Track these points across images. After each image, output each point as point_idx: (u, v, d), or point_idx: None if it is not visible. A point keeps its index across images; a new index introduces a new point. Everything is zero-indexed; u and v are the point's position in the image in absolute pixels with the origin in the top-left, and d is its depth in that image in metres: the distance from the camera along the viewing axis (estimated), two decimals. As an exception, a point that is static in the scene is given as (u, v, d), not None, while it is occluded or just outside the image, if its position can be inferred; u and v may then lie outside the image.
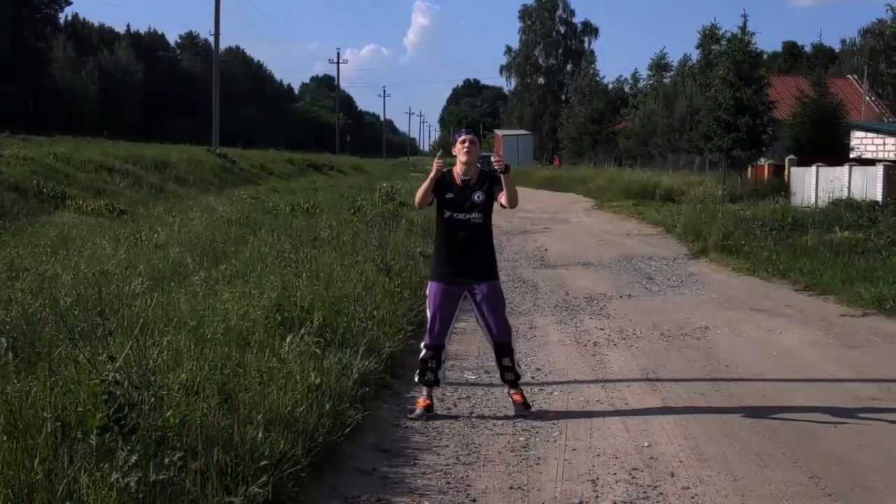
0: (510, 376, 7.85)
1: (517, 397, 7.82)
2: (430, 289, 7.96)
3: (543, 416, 7.66)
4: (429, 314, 7.94)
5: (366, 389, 7.45)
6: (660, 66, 67.64)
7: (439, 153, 8.15)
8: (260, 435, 5.49)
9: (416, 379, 7.91)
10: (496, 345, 7.88)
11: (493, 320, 7.85)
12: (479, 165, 8.07)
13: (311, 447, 5.87)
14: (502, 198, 7.79)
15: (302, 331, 7.86)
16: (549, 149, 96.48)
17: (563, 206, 38.18)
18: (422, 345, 7.92)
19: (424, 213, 21.04)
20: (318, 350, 7.52)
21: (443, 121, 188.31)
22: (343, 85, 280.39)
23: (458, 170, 7.93)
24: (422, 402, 7.77)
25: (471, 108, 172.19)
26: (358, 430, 6.74)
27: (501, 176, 7.70)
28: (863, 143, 40.61)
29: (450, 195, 7.84)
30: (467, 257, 7.80)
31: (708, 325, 11.77)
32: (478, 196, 7.83)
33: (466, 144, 7.90)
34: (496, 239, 22.76)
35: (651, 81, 66.98)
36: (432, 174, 7.78)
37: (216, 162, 40.50)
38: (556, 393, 8.45)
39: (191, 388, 5.93)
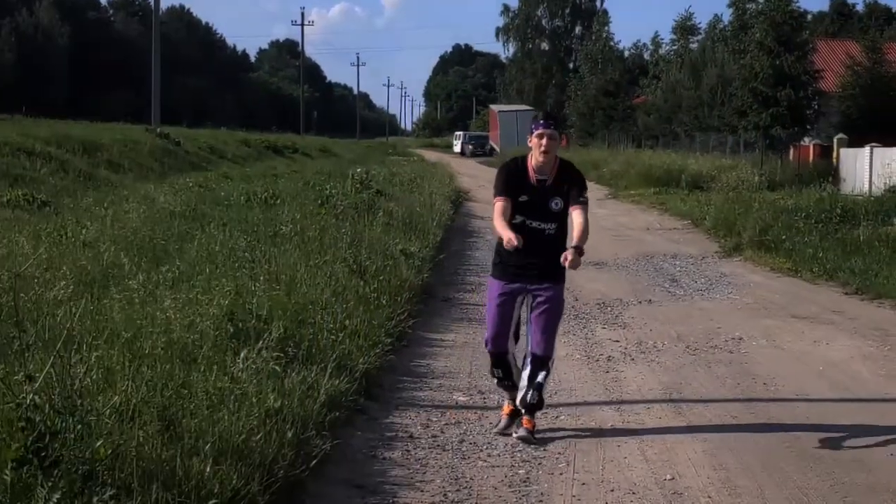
0: (534, 398, 7.90)
1: (527, 423, 7.91)
2: (488, 286, 8.38)
3: (548, 444, 7.67)
4: (487, 318, 8.32)
5: (335, 414, 7.42)
6: (685, 28, 67.85)
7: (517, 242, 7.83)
8: (208, 468, 5.47)
9: (495, 382, 8.45)
10: (535, 356, 7.97)
11: (540, 330, 7.97)
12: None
13: (269, 483, 5.85)
14: (576, 214, 7.90)
15: (259, 344, 7.83)
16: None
17: (570, 195, 38.17)
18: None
19: (406, 205, 21.06)
20: (278, 367, 7.48)
21: (428, 94, 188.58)
22: (308, 51, 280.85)
23: (532, 164, 7.99)
24: (506, 408, 8.20)
25: (462, 78, 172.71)
26: (326, 463, 6.72)
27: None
28: (926, 119, 40.65)
29: (524, 197, 7.93)
30: (534, 260, 7.91)
31: (742, 335, 11.80)
32: (556, 203, 7.94)
33: (545, 142, 7.92)
34: (491, 234, 22.80)
35: (675, 47, 67.24)
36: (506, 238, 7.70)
37: (157, 143, 40.37)
38: (562, 417, 8.47)
39: (125, 413, 5.91)
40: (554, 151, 7.97)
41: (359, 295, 10.83)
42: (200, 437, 5.85)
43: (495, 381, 8.36)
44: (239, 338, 8.13)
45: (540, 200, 7.90)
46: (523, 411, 7.99)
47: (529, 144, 8.06)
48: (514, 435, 7.83)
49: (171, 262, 11.84)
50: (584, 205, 7.94)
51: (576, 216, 7.88)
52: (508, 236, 7.64)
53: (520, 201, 7.91)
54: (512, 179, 7.97)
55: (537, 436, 7.81)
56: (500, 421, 8.12)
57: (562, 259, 7.66)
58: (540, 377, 7.92)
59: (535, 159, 7.97)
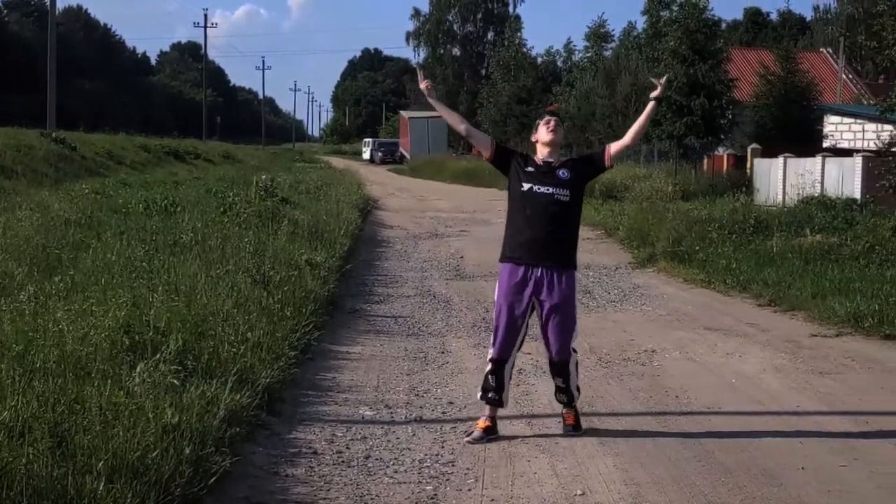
0: (562, 398, 8.37)
1: (570, 419, 8.35)
2: (499, 276, 8.40)
3: (456, 459, 7.66)
4: (494, 312, 8.35)
5: (236, 429, 7.36)
6: (599, 35, 68.44)
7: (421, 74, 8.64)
8: (101, 487, 5.40)
9: (479, 395, 8.42)
10: (552, 362, 8.31)
11: (555, 335, 8.21)
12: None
13: (166, 501, 5.79)
14: (616, 145, 8.54)
15: (156, 357, 7.76)
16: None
17: (483, 204, 38.33)
18: (488, 356, 8.38)
19: (313, 214, 20.99)
20: (176, 381, 7.42)
21: (336, 99, 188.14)
22: (212, 54, 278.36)
23: (540, 153, 8.37)
24: (482, 423, 8.24)
25: (371, 84, 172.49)
26: (225, 480, 6.66)
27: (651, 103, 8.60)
28: (838, 129, 41.48)
29: (530, 169, 8.26)
30: (548, 231, 8.11)
31: (655, 347, 11.90)
32: (563, 173, 8.23)
33: (552, 124, 8.38)
34: (401, 243, 22.82)
35: (589, 54, 67.72)
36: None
37: (51, 148, 39.74)
38: (472, 431, 8.45)
39: (14, 430, 5.81)
40: (560, 136, 8.35)
41: (262, 306, 10.78)
42: (94, 455, 5.78)
43: (483, 393, 8.33)
44: (135, 350, 8.05)
45: (547, 172, 8.20)
46: (564, 409, 8.37)
47: (534, 140, 8.46)
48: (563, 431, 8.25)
49: (64, 273, 11.69)
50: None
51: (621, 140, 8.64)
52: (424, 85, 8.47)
53: (526, 171, 8.23)
54: (510, 152, 8.53)
55: (444, 450, 7.81)
56: (472, 431, 8.25)
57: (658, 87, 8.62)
58: (558, 381, 8.30)
59: (540, 150, 8.36)
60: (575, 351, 8.36)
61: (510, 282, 8.18)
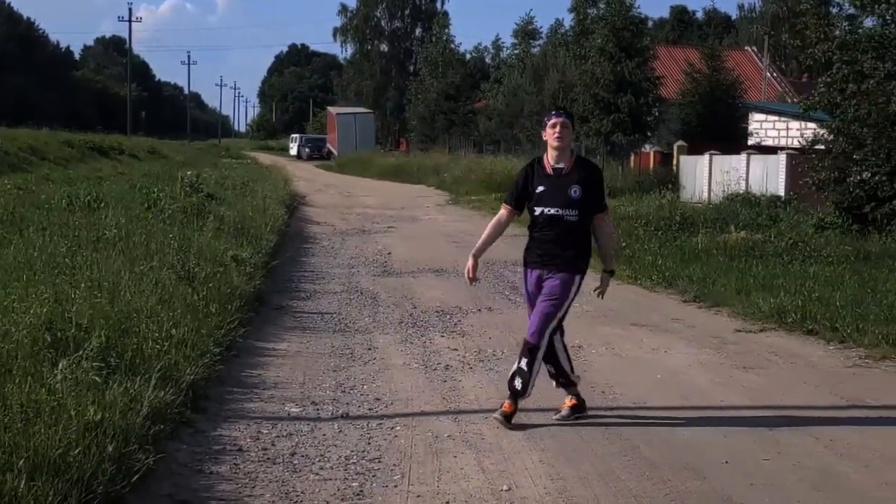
0: (519, 385, 8.49)
1: (506, 406, 8.54)
2: (523, 278, 8.85)
3: (382, 455, 7.65)
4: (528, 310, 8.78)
5: (160, 427, 7.29)
6: (527, 32, 68.79)
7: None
8: (22, 485, 5.35)
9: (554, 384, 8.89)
10: (525, 341, 8.53)
11: (536, 313, 8.49)
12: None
13: (87, 499, 5.73)
14: (603, 224, 8.73)
15: (79, 354, 7.68)
16: (394, 131, 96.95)
17: (410, 200, 38.38)
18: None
19: (239, 210, 20.90)
20: (98, 378, 7.34)
21: (263, 95, 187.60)
22: (137, 49, 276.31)
23: (548, 157, 8.55)
24: (568, 402, 8.78)
25: (298, 79, 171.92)
26: (149, 478, 6.59)
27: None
28: (763, 127, 42.01)
29: (541, 188, 8.46)
30: (558, 248, 8.45)
31: (581, 343, 11.94)
32: (574, 191, 8.40)
33: (558, 129, 8.45)
34: (328, 239, 22.77)
35: (516, 51, 67.96)
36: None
37: (-28, 144, 39.36)
38: (398, 427, 8.45)
39: (-67, 427, 5.73)
40: (568, 140, 8.52)
41: (186, 303, 10.71)
42: (14, 452, 5.72)
43: (554, 383, 8.82)
44: (57, 347, 7.96)
45: (558, 187, 8.38)
46: (506, 399, 8.56)
47: (545, 138, 8.57)
48: (493, 416, 8.51)
49: (-16, 269, 11.53)
50: (607, 211, 8.72)
51: (603, 226, 8.70)
52: (467, 267, 8.87)
53: (537, 193, 8.45)
54: (524, 182, 8.62)
55: (370, 447, 7.80)
56: (559, 410, 8.75)
57: (597, 294, 8.73)
58: (522, 363, 8.47)
59: (549, 151, 8.51)
60: (560, 337, 8.68)
61: (529, 284, 8.64)
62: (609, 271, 8.74)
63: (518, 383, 8.45)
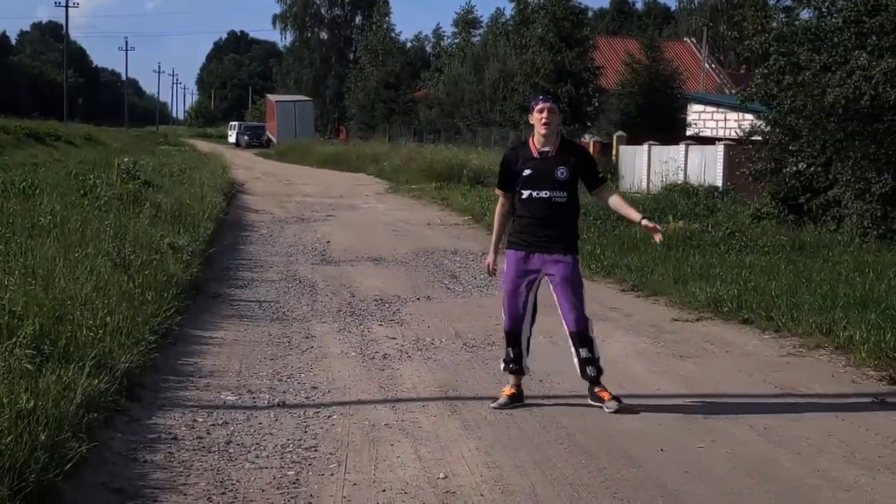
0: (592, 371, 8.69)
1: (605, 394, 8.66)
2: (505, 260, 8.84)
3: (319, 444, 7.64)
4: (504, 293, 8.81)
5: (94, 415, 7.22)
6: (467, 21, 68.81)
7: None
8: (-49, 474, 5.27)
9: (501, 367, 8.94)
10: (572, 334, 8.69)
11: (568, 306, 8.63)
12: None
13: (19, 488, 5.67)
14: (607, 194, 8.97)
15: (11, 342, 7.60)
16: (333, 119, 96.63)
17: (350, 188, 38.31)
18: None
19: (176, 197, 20.77)
20: (31, 366, 7.27)
21: (202, 82, 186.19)
22: (74, 34, 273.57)
23: (535, 140, 8.72)
24: (507, 391, 8.79)
25: (238, 66, 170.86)
26: (83, 466, 6.53)
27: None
28: (701, 118, 42.29)
29: (527, 171, 8.60)
30: (549, 230, 8.60)
31: (519, 332, 11.97)
32: (561, 172, 8.58)
33: (545, 114, 8.58)
34: (267, 227, 22.69)
35: (457, 40, 67.95)
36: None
37: None
38: (335, 416, 8.43)
39: None
40: (555, 125, 8.66)
41: (122, 290, 10.64)
42: (-56, 441, 5.64)
43: (504, 365, 8.89)
44: (-11, 335, 7.87)
45: (545, 169, 8.52)
46: (595, 388, 8.72)
47: (531, 122, 8.73)
48: (608, 411, 8.51)
49: (-85, 255, 11.38)
50: (606, 182, 9.01)
51: (608, 194, 8.98)
52: (488, 261, 9.20)
53: (524, 176, 8.59)
54: (510, 165, 8.77)
55: (307, 435, 7.79)
56: (499, 398, 8.77)
57: (657, 238, 8.92)
58: (583, 353, 8.67)
59: (536, 135, 8.66)
60: (529, 326, 8.86)
61: (516, 265, 8.68)
62: (645, 218, 8.79)
63: (592, 370, 8.68)
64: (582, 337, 8.66)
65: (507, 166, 8.82)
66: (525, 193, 8.61)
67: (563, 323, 8.72)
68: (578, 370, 8.73)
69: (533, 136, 8.74)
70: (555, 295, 8.69)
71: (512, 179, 8.74)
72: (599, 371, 8.72)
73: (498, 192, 9.05)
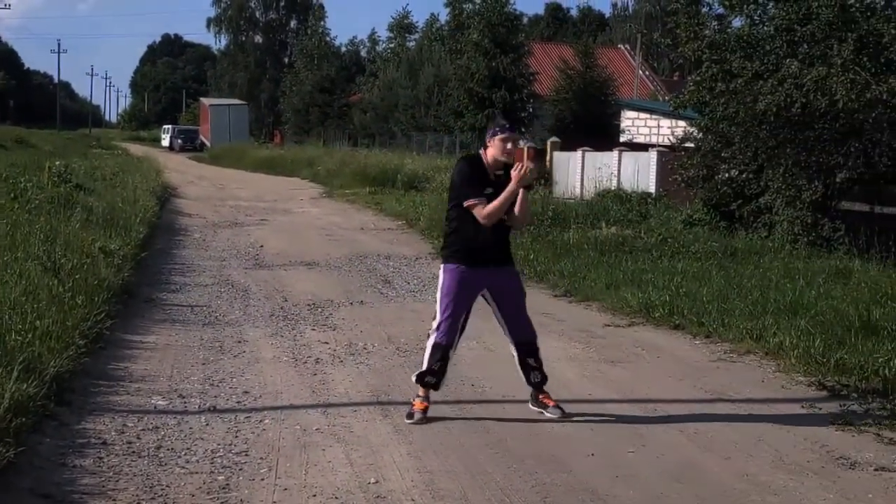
0: (537, 377, 8.76)
1: (550, 401, 8.72)
2: (446, 273, 8.65)
3: (249, 448, 7.62)
4: (441, 305, 8.61)
5: (21, 420, 7.16)
6: (402, 26, 68.81)
7: (527, 145, 8.71)
8: None
9: (414, 379, 8.67)
10: (520, 343, 8.75)
11: (517, 315, 8.77)
12: None
13: (-56, 493, 5.62)
14: (515, 215, 8.61)
15: (-62, 346, 7.53)
16: (268, 123, 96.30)
17: (284, 193, 38.18)
18: (430, 342, 8.63)
19: (108, 201, 20.62)
20: (-42, 370, 7.21)
21: (135, 85, 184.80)
22: (5, 36, 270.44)
23: (490, 163, 8.54)
24: (420, 404, 8.58)
25: (171, 70, 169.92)
26: (9, 472, 6.50)
27: (522, 190, 8.49)
28: (635, 124, 42.53)
29: (489, 190, 8.46)
30: (499, 244, 8.66)
31: (451, 337, 12.00)
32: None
33: (510, 146, 8.41)
34: (200, 231, 22.59)
35: (392, 45, 67.94)
36: (514, 186, 8.42)
37: None
38: (266, 421, 8.42)
39: None
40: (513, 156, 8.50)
41: (52, 294, 10.54)
42: None
43: (426, 377, 8.59)
44: (-84, 339, 7.78)
45: (497, 190, 8.43)
46: (539, 395, 8.77)
47: (489, 144, 8.50)
48: (551, 416, 8.60)
49: None
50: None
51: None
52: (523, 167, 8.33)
53: (485, 193, 8.44)
54: (476, 178, 8.53)
55: (237, 440, 7.77)
56: (413, 413, 8.53)
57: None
58: (531, 361, 8.73)
59: (493, 160, 8.50)
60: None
61: (462, 280, 8.55)
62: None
63: (537, 376, 8.77)
64: (533, 346, 8.76)
65: (475, 178, 8.55)
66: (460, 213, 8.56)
67: (512, 333, 8.77)
68: (524, 377, 8.76)
69: (485, 155, 8.54)
70: (501, 307, 8.75)
71: (479, 187, 8.59)
72: (545, 378, 8.77)
73: (475, 203, 8.40)
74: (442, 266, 8.75)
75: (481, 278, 8.60)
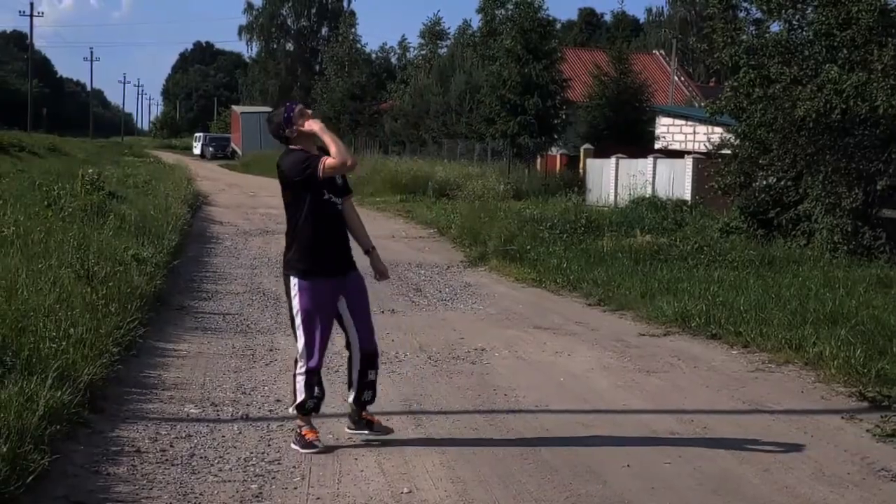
0: (370, 396, 8.12)
1: (375, 419, 8.18)
2: (301, 291, 7.91)
3: (282, 457, 7.65)
4: (302, 327, 7.91)
5: (56, 427, 7.23)
6: (434, 33, 68.86)
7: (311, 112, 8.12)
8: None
9: (293, 409, 8.05)
10: (366, 354, 8.06)
11: (364, 323, 8.10)
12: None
13: (-20, 501, 5.67)
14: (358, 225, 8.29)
15: (-27, 353, 7.59)
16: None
17: (315, 200, 38.17)
18: (301, 368, 7.94)
19: (140, 208, 20.72)
20: (-8, 378, 7.27)
21: (167, 93, 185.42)
22: (38, 44, 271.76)
23: (308, 148, 8.02)
24: (313, 433, 7.90)
25: (203, 77, 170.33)
26: (44, 479, 6.55)
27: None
28: (670, 131, 42.41)
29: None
30: (340, 245, 8.04)
31: (484, 346, 12.04)
32: (339, 178, 8.05)
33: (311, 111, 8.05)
34: (231, 239, 22.65)
35: (423, 52, 68.01)
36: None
37: None
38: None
39: None
40: None
41: (85, 302, 10.61)
42: None
43: (305, 408, 7.92)
44: (-50, 346, 7.86)
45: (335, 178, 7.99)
46: (362, 411, 8.13)
47: (296, 130, 8.00)
48: (370, 434, 8.09)
49: None
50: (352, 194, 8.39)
51: (353, 211, 8.30)
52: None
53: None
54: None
55: (271, 448, 7.81)
56: (313, 443, 7.85)
57: (378, 277, 8.35)
58: (371, 374, 8.06)
59: (307, 145, 7.99)
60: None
61: (318, 295, 7.91)
62: (373, 248, 8.36)
63: (370, 395, 8.11)
64: (374, 358, 8.12)
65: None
66: (327, 195, 7.88)
67: (357, 342, 8.03)
68: (357, 392, 8.06)
69: (302, 144, 8.00)
70: (350, 314, 8.02)
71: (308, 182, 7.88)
72: (375, 395, 8.19)
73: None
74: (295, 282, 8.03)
75: (337, 288, 8.02)
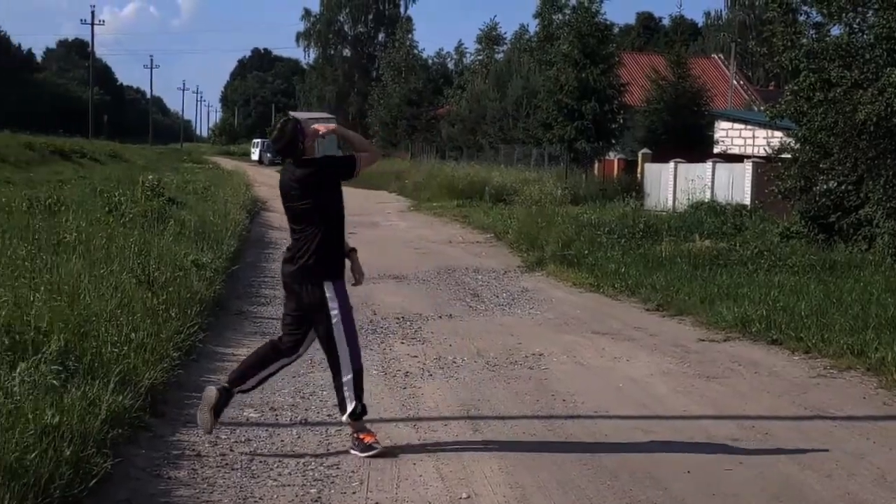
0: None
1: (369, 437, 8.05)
2: (338, 294, 8.15)
3: (341, 462, 7.68)
4: (344, 332, 8.09)
5: (118, 431, 7.32)
6: (490, 38, 68.84)
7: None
8: (-23, 488, 5.33)
9: (346, 418, 8.01)
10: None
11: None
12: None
13: (44, 502, 5.74)
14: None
15: (37, 357, 7.67)
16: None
17: (371, 206, 38.36)
18: (346, 377, 8.05)
19: (199, 214, 20.86)
20: (56, 382, 7.34)
21: (226, 99, 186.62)
22: (99, 52, 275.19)
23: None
24: (371, 436, 7.91)
25: (261, 84, 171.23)
26: (106, 482, 6.61)
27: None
28: (729, 135, 42.12)
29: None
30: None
31: (542, 351, 12.02)
32: None
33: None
34: (286, 242, 22.80)
35: (480, 57, 68.02)
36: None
37: (-68, 145, 39.11)
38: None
39: None
40: None
41: (146, 307, 10.69)
42: (-30, 456, 5.71)
43: (358, 413, 7.95)
44: (16, 350, 7.94)
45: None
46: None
47: (308, 144, 8.51)
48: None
49: (-58, 272, 11.47)
50: None
51: None
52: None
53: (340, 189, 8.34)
54: None
55: (329, 452, 7.84)
56: (372, 446, 7.86)
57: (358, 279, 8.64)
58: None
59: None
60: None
61: (346, 296, 8.21)
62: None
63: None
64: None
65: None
66: (340, 205, 8.32)
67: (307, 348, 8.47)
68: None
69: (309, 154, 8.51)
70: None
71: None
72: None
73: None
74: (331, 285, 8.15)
75: None
